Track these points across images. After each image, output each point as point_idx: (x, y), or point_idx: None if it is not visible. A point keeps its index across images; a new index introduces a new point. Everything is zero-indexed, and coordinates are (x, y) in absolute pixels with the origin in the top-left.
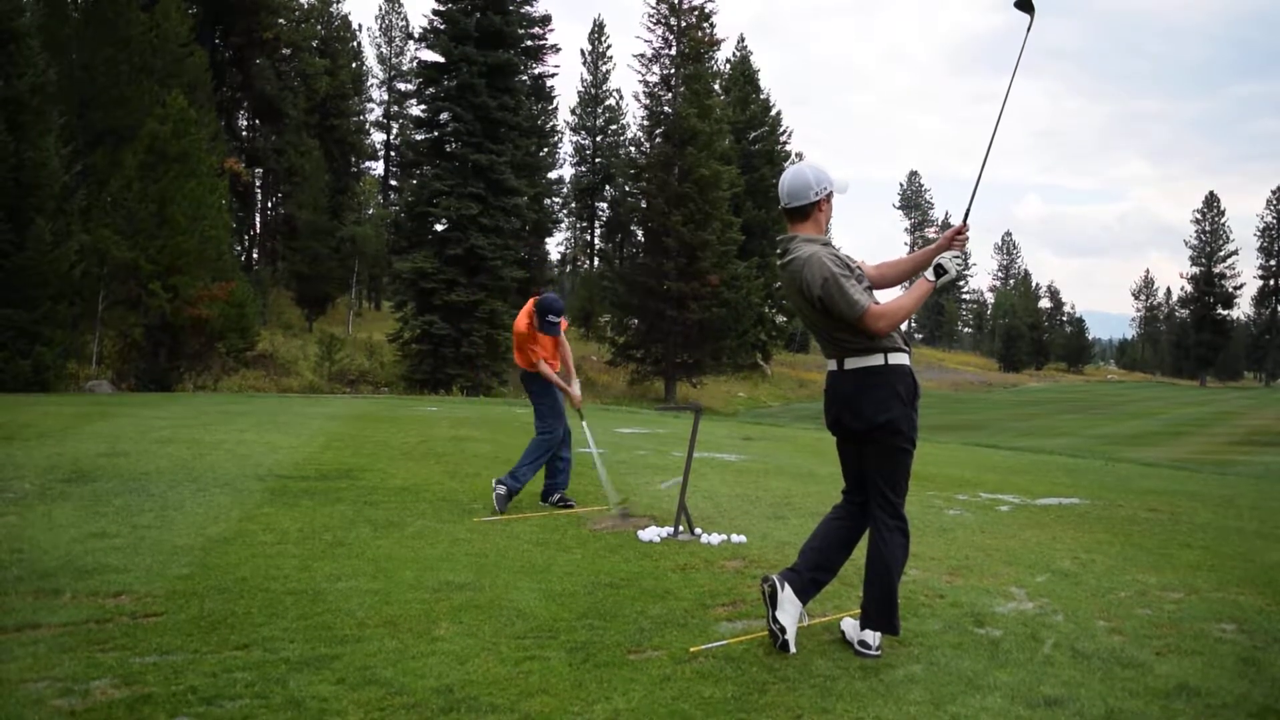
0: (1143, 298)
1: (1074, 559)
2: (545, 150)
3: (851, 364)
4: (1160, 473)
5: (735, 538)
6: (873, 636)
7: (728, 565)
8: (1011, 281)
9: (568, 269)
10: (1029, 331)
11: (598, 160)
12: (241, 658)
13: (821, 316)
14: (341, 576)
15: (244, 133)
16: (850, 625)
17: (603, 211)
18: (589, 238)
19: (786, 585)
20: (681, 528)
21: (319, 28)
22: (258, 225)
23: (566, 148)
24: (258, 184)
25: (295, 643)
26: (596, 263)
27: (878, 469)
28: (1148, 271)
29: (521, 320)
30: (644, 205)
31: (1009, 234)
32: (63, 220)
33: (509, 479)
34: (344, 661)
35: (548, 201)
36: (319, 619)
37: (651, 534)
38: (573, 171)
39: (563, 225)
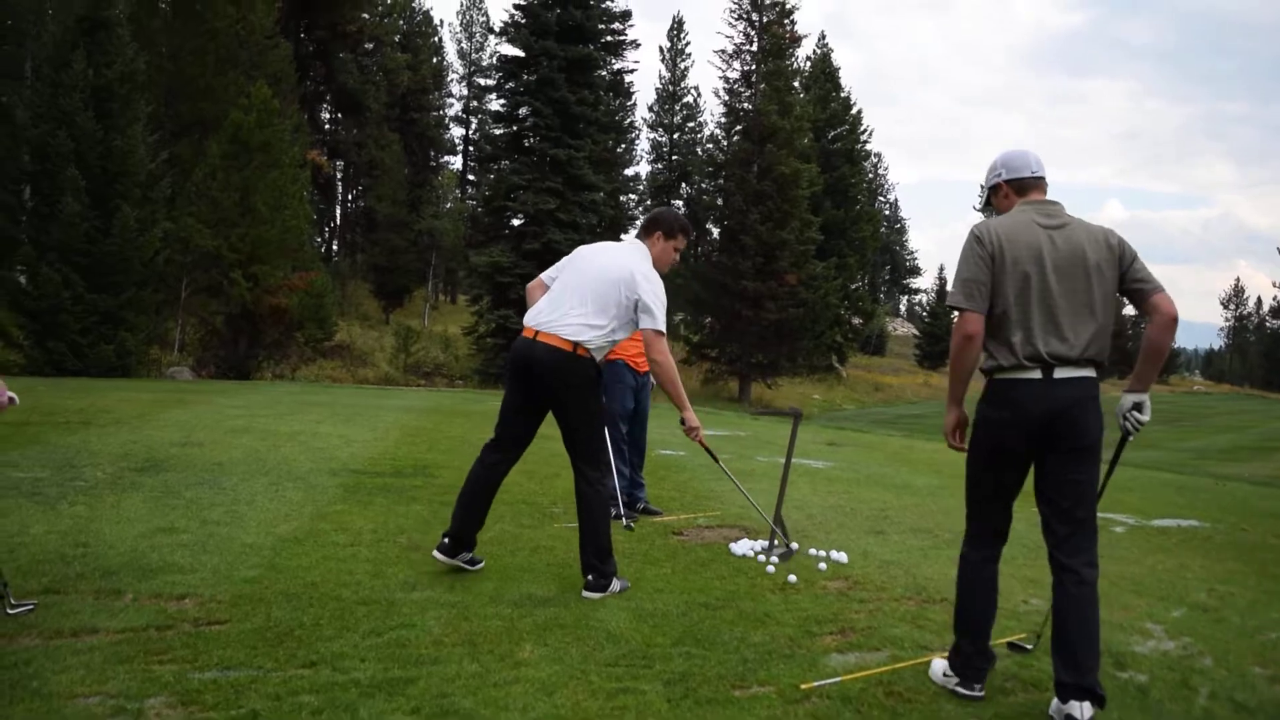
0: (1232, 307)
1: (1209, 591)
2: (623, 146)
3: (1063, 373)
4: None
5: (835, 554)
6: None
7: (830, 586)
8: None
9: None
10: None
11: (674, 157)
12: (308, 677)
13: (1109, 297)
14: (416, 585)
15: (326, 125)
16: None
17: (679, 209)
18: None
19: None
20: (777, 541)
21: (401, 22)
22: (338, 217)
23: (643, 144)
24: (338, 176)
25: (367, 661)
26: None
27: (1091, 484)
28: (1238, 280)
29: None
30: (721, 203)
31: None
32: (148, 208)
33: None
34: (419, 686)
35: (624, 198)
36: (393, 634)
37: (744, 547)
38: (649, 168)
39: (639, 222)
